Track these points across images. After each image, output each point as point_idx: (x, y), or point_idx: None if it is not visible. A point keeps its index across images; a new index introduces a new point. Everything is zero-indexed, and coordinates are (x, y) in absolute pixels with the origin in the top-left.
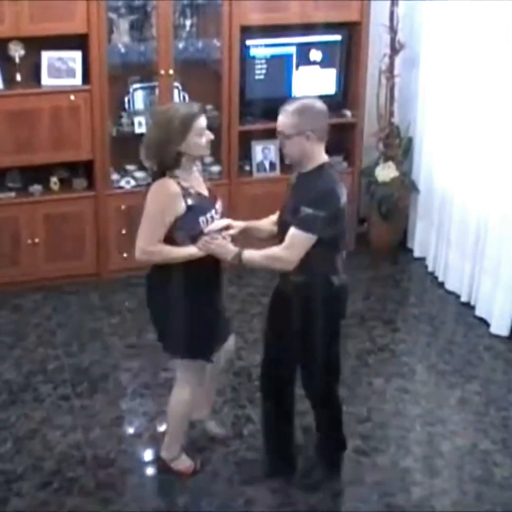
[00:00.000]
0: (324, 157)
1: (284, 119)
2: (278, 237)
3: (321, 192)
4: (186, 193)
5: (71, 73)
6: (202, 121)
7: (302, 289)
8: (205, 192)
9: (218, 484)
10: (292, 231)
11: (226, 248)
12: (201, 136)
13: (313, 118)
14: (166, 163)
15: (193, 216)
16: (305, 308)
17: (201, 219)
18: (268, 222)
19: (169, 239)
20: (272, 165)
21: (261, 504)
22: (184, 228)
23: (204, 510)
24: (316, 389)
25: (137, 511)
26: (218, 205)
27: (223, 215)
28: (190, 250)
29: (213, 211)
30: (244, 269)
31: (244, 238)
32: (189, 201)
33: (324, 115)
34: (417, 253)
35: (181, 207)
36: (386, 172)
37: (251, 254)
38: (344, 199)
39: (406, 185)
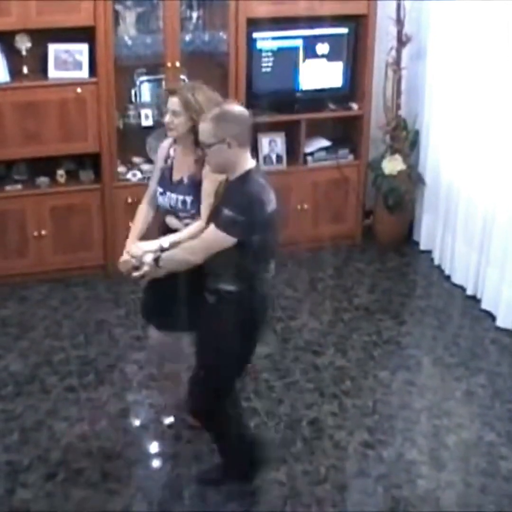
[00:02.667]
0: (249, 163)
1: (204, 127)
2: None
3: (244, 198)
4: (166, 157)
5: (77, 65)
6: (169, 102)
7: (229, 297)
8: (177, 176)
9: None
10: (210, 227)
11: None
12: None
13: (232, 124)
14: None
15: (157, 178)
16: (231, 316)
17: (159, 189)
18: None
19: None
20: (278, 157)
21: (267, 495)
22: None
23: (210, 501)
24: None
25: (143, 503)
26: (180, 196)
27: (188, 215)
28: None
29: (172, 195)
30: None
31: None
32: (160, 164)
33: (244, 120)
34: (423, 246)
35: (158, 163)
36: (392, 165)
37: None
38: (271, 206)
39: (413, 178)
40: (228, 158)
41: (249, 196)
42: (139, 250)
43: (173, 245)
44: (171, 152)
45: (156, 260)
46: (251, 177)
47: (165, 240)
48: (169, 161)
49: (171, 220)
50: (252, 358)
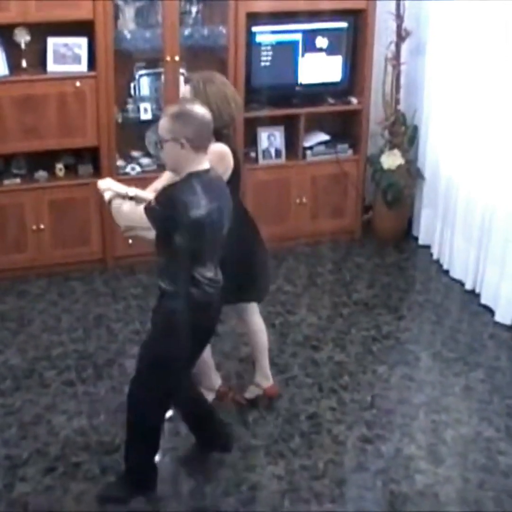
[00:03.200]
0: (199, 167)
1: (162, 122)
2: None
3: (166, 194)
4: None
5: (77, 59)
6: (183, 89)
7: (166, 297)
8: None
9: (222, 471)
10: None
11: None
12: None
13: (190, 126)
14: None
15: None
16: (167, 314)
17: None
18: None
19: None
20: (277, 152)
21: (265, 490)
22: None
23: (209, 496)
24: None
25: (141, 497)
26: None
27: None
28: None
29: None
30: None
31: None
32: None
33: (204, 124)
34: (422, 241)
35: None
36: (391, 160)
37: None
38: (199, 211)
39: (412, 173)
40: (179, 158)
41: (170, 194)
42: (105, 185)
43: (138, 199)
44: None
45: (109, 202)
46: (187, 180)
47: (133, 190)
48: None
49: None
50: (191, 368)
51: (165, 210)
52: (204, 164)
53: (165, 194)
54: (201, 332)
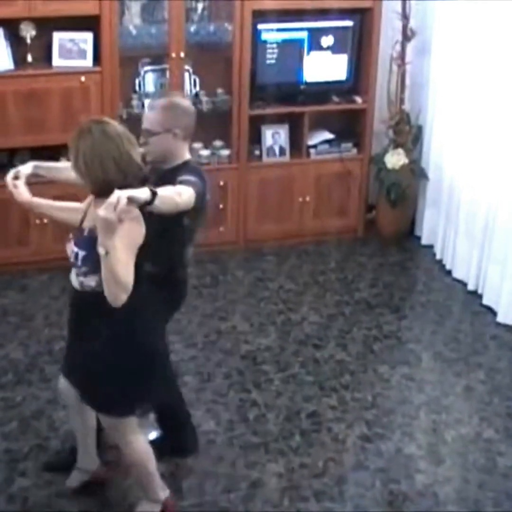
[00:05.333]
0: (188, 156)
1: (152, 115)
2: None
3: (198, 171)
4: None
5: (82, 54)
6: None
7: (152, 280)
8: (84, 224)
9: (222, 468)
10: (177, 186)
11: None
12: None
13: (180, 116)
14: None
15: None
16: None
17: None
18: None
19: None
20: (282, 149)
21: (265, 488)
22: None
23: (208, 492)
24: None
25: (141, 492)
26: (80, 250)
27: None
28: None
29: (72, 245)
30: None
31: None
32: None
33: (191, 114)
34: (425, 241)
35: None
36: (395, 159)
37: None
38: (208, 194)
39: (415, 173)
40: (170, 148)
41: (199, 170)
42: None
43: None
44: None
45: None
46: (192, 164)
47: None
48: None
49: (72, 276)
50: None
51: (203, 185)
52: (188, 154)
53: (193, 172)
54: (175, 307)
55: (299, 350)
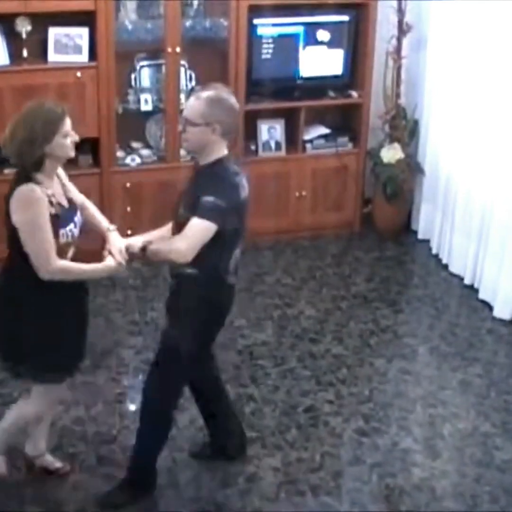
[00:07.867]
0: (224, 152)
1: (196, 105)
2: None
3: (222, 183)
4: (49, 201)
5: (77, 49)
6: (68, 122)
7: (191, 282)
8: (65, 202)
9: (219, 462)
10: (192, 221)
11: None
12: (66, 137)
13: (224, 111)
14: (29, 165)
15: (53, 228)
16: (193, 302)
17: (62, 231)
18: (166, 229)
19: (22, 253)
20: (277, 144)
21: (261, 482)
22: None
23: (205, 486)
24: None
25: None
26: (78, 217)
27: (82, 226)
28: (109, 265)
29: (72, 225)
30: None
31: None
32: (52, 210)
33: (235, 112)
34: (421, 235)
35: (47, 215)
36: (391, 154)
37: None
38: (244, 193)
39: (412, 167)
40: (207, 142)
41: (226, 181)
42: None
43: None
44: (48, 192)
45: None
46: (224, 163)
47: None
48: (54, 202)
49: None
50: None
51: (229, 202)
52: (225, 150)
53: (217, 185)
54: (224, 313)
55: (295, 344)
